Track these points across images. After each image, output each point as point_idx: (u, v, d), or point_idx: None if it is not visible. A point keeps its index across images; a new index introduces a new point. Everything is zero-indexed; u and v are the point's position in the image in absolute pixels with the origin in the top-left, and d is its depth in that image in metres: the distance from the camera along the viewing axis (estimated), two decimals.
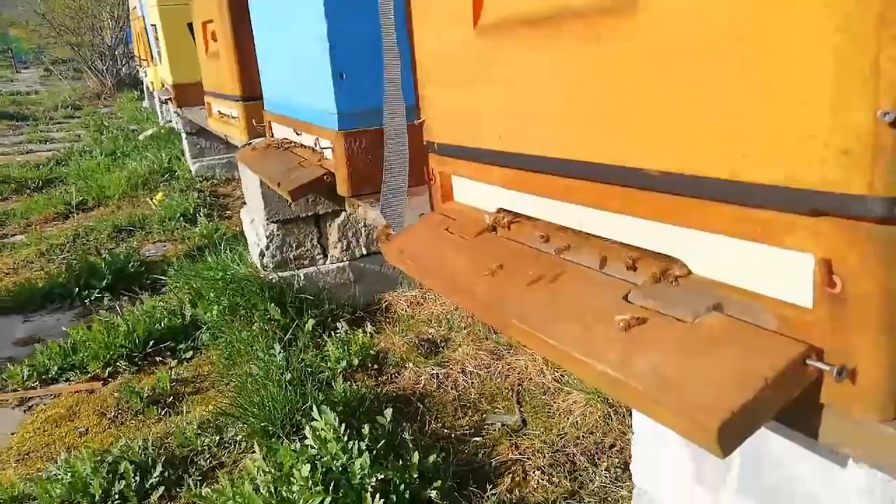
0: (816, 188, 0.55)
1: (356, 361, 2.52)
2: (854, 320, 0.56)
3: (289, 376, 2.31)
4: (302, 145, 2.22)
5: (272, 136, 2.53)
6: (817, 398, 0.61)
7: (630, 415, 2.06)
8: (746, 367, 0.57)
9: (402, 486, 1.74)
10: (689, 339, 0.63)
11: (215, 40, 3.01)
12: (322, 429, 1.83)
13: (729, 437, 0.54)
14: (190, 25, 4.58)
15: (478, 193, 1.15)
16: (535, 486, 1.85)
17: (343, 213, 3.01)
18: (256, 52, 2.54)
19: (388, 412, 2.06)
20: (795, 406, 0.61)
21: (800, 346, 0.58)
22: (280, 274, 2.95)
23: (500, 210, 1.08)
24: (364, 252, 3.08)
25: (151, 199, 5.17)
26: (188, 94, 4.92)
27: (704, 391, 0.57)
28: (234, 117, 3.04)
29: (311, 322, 2.75)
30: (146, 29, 6.70)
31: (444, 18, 1.12)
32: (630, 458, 1.93)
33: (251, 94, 2.81)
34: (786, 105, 0.57)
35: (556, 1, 0.82)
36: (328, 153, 1.92)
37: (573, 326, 0.74)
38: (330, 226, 3.01)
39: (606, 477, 1.86)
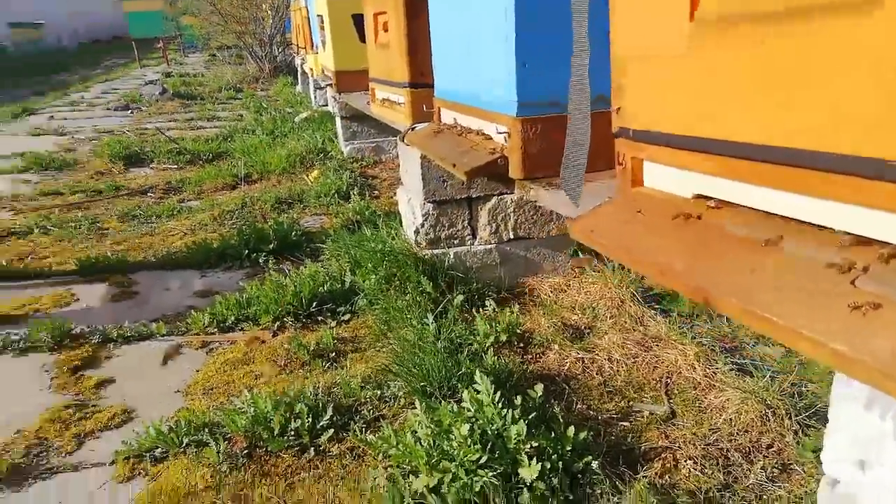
0: None
1: (504, 338, 2.63)
2: None
3: (441, 345, 2.46)
4: (470, 130, 2.35)
5: (440, 121, 2.69)
6: None
7: (790, 417, 2.02)
8: None
9: (555, 457, 1.83)
10: None
11: (386, 31, 3.22)
12: (482, 393, 1.95)
13: None
14: (354, 16, 4.90)
15: (672, 179, 1.20)
16: (687, 475, 1.87)
17: (494, 198, 3.12)
18: (431, 42, 2.70)
19: (539, 387, 2.15)
20: None
21: None
22: (432, 251, 3.13)
23: (698, 196, 1.13)
24: (511, 236, 3.18)
25: (307, 176, 5.59)
26: (348, 80, 5.26)
27: None
28: (399, 103, 3.24)
29: (459, 297, 2.89)
30: (308, 19, 7.20)
31: (652, 9, 1.17)
32: (788, 459, 1.90)
33: (418, 81, 2.98)
34: None
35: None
36: (500, 138, 2.03)
37: (797, 307, 0.78)
38: (481, 209, 3.14)
39: (762, 475, 1.85)
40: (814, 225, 0.90)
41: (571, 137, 1.30)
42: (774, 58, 0.90)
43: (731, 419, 2.07)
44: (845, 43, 0.79)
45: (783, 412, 2.03)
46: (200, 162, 6.72)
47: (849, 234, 0.87)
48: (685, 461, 1.92)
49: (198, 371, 2.72)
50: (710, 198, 1.12)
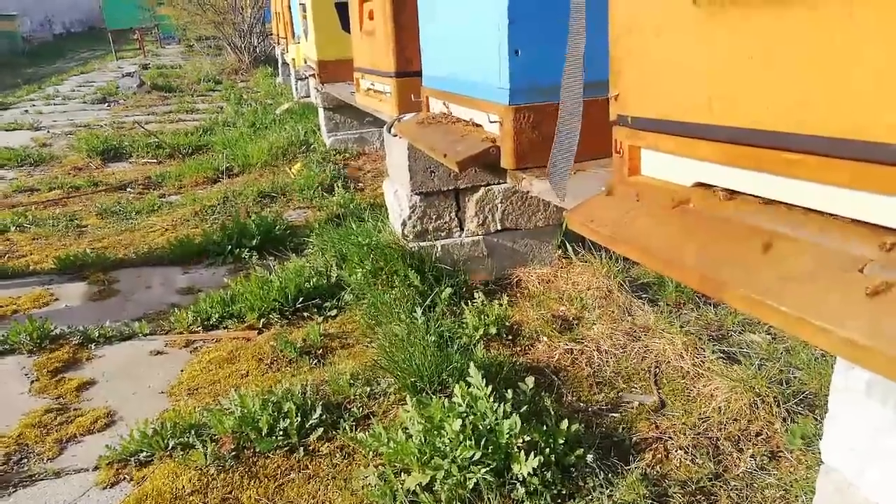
0: None
1: (492, 331, 2.62)
2: None
3: (430, 339, 2.44)
4: (460, 119, 2.32)
5: (428, 110, 2.65)
6: None
7: (778, 404, 2.03)
8: None
9: (548, 450, 1.81)
10: None
11: (372, 19, 3.17)
12: (475, 387, 1.93)
13: None
14: (337, 5, 4.83)
15: (671, 167, 1.18)
16: (678, 465, 1.87)
17: (481, 189, 3.10)
18: (420, 30, 2.65)
19: (530, 380, 2.14)
20: None
21: None
22: (419, 244, 3.10)
23: (699, 184, 1.11)
24: (498, 228, 3.16)
25: (290, 169, 5.52)
26: (331, 70, 5.18)
27: None
28: (386, 93, 3.19)
29: (447, 290, 2.87)
30: (290, 8, 7.08)
31: None
32: (777, 447, 1.91)
33: (405, 70, 2.94)
34: None
35: None
36: (492, 127, 2.00)
37: (804, 296, 0.76)
38: (468, 200, 3.11)
39: (752, 463, 1.85)
40: (820, 212, 0.88)
41: (562, 125, 1.27)
42: (784, 38, 0.88)
43: (720, 408, 2.07)
44: (861, 21, 0.77)
45: (771, 400, 2.04)
46: (180, 156, 6.61)
47: (857, 220, 0.85)
48: (676, 451, 1.92)
49: (182, 371, 2.67)
50: (711, 186, 1.10)
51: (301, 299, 3.05)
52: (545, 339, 2.60)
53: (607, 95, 1.34)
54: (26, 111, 10.39)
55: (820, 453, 1.07)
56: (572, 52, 1.23)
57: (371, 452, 1.98)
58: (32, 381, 2.59)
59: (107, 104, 10.99)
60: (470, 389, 1.97)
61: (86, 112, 10.25)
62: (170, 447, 2.08)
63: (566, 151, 1.26)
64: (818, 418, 1.94)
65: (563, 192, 1.59)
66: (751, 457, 1.88)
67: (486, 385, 1.97)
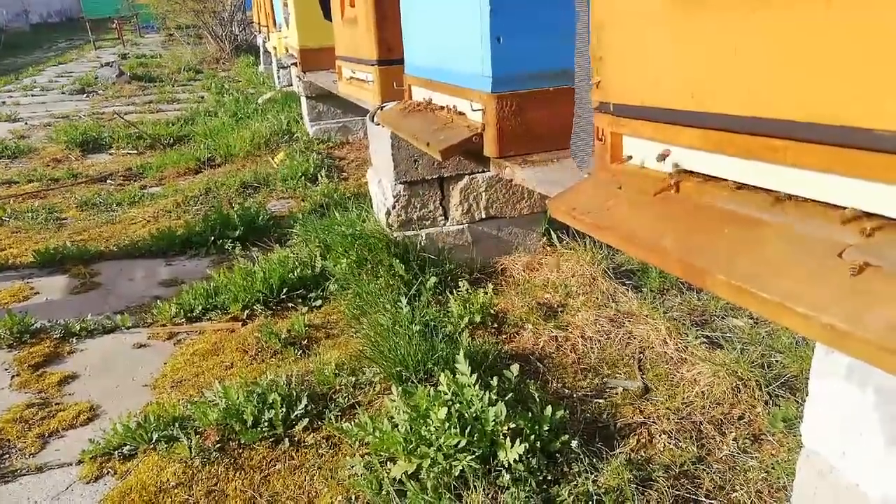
0: None
1: (478, 319, 2.62)
2: None
3: (415, 328, 2.44)
4: (443, 107, 2.30)
5: (411, 98, 2.63)
6: None
7: (760, 388, 2.05)
8: None
9: (533, 437, 1.82)
10: None
11: (353, 6, 3.13)
12: (462, 375, 1.93)
13: None
14: None
15: (653, 154, 1.18)
16: (662, 449, 1.89)
17: (465, 177, 3.09)
18: (402, 17, 2.63)
19: (515, 367, 2.14)
20: None
21: None
22: (404, 233, 3.09)
23: (680, 170, 1.11)
24: (483, 216, 3.16)
25: (273, 159, 5.47)
26: (313, 58, 5.13)
27: None
28: (368, 81, 3.16)
29: (432, 279, 2.86)
30: None
31: None
32: (759, 430, 1.93)
33: (387, 58, 2.91)
34: None
35: None
36: (475, 115, 1.99)
37: (785, 282, 0.77)
38: (452, 189, 3.10)
39: (735, 446, 1.87)
40: (801, 198, 0.88)
41: (580, 103, 1.27)
42: (765, 24, 0.88)
43: (703, 392, 2.09)
44: (839, 7, 0.77)
45: (753, 383, 2.06)
46: (161, 146, 6.53)
47: (834, 205, 0.86)
48: (660, 436, 1.93)
49: (166, 364, 2.65)
50: (693, 172, 1.10)
51: (285, 290, 3.03)
52: (530, 326, 2.61)
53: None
54: (3, 103, 10.20)
55: (801, 436, 1.08)
56: (581, 28, 1.23)
57: (357, 442, 1.98)
58: (13, 376, 2.56)
59: (85, 95, 10.80)
60: (455, 378, 1.97)
61: (64, 103, 10.07)
62: (154, 440, 2.07)
63: (586, 129, 1.27)
64: (799, 401, 1.97)
65: (588, 170, 1.56)
66: (733, 440, 1.90)
67: (472, 373, 1.97)
